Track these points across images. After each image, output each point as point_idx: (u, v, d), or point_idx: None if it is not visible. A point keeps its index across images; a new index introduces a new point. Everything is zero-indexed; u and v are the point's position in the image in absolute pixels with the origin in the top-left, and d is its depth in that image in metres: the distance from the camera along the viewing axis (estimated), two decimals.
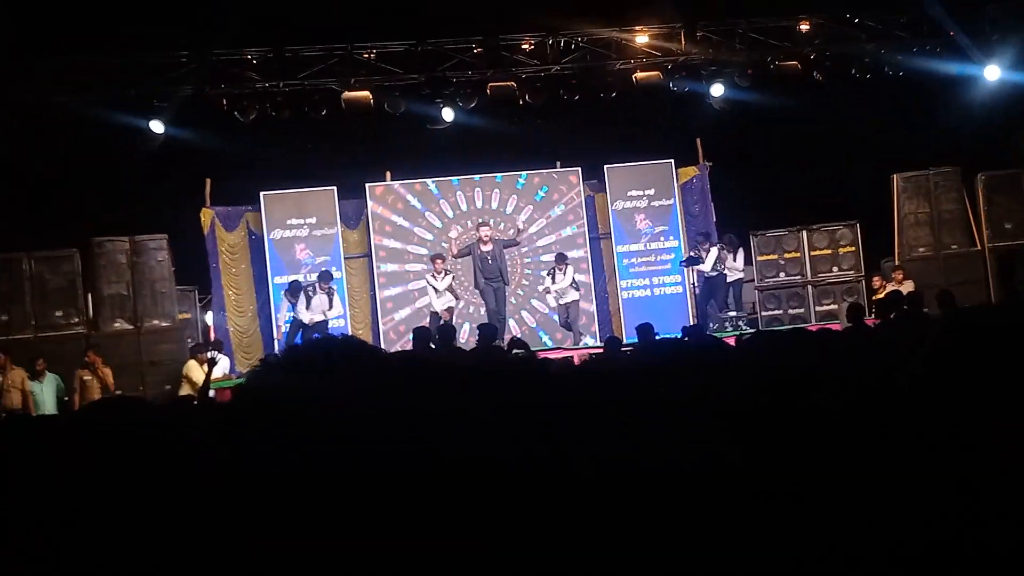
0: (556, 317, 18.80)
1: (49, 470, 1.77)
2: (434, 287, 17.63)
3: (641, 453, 1.28)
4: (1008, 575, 1.36)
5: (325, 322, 17.46)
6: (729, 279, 18.31)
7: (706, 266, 18.27)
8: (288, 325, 17.89)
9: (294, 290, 17.48)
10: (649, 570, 1.19)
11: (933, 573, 1.32)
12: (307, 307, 17.22)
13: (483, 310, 18.13)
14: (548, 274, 18.39)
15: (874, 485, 1.31)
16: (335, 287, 17.84)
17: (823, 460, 1.31)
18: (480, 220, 18.71)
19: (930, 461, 1.38)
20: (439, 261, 17.79)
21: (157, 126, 17.61)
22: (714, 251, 18.28)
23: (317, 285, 17.43)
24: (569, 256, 18.86)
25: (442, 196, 19.71)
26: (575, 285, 18.22)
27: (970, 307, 1.71)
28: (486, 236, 17.68)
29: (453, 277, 17.95)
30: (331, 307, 17.46)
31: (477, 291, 18.01)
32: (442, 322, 16.55)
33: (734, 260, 18.36)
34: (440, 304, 17.53)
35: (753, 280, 19.77)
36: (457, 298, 17.87)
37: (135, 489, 1.56)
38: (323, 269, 18.16)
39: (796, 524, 1.27)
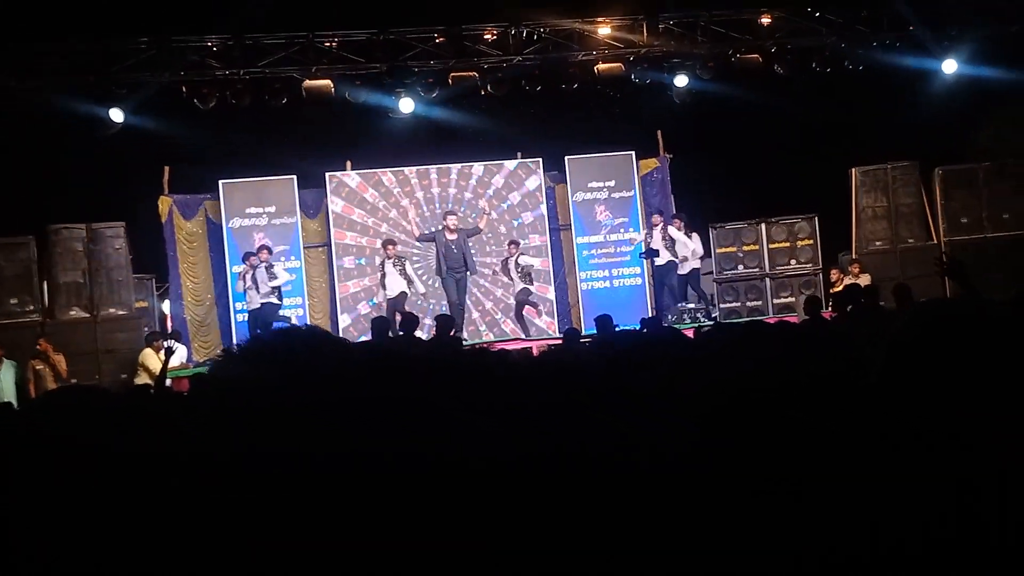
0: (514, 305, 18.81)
1: (5, 461, 1.75)
2: (385, 272, 17.56)
3: (611, 443, 1.28)
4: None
5: (276, 306, 17.24)
6: (682, 270, 18.24)
7: (685, 245, 18.16)
8: (246, 315, 17.79)
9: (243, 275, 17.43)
10: (630, 565, 1.20)
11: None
12: (256, 289, 17.08)
13: (444, 301, 18.13)
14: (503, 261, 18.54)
15: (839, 478, 1.32)
16: (273, 261, 17.56)
17: (791, 450, 1.32)
18: (446, 209, 18.68)
19: (890, 453, 1.39)
20: (391, 247, 17.73)
21: (117, 114, 17.42)
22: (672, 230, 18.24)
23: (256, 258, 17.25)
24: (524, 243, 18.92)
25: (401, 186, 19.65)
26: (528, 277, 18.19)
27: (929, 300, 1.73)
28: (453, 225, 17.62)
29: (407, 263, 17.86)
30: (275, 276, 17.22)
31: (439, 279, 17.94)
32: (397, 316, 16.44)
33: (689, 239, 18.30)
34: (393, 289, 17.44)
35: (711, 272, 19.86)
36: (411, 282, 17.69)
37: (98, 480, 1.54)
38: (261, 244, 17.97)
39: (778, 516, 1.28)
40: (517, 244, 18.52)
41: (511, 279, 18.28)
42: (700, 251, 18.58)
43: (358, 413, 1.15)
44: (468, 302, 18.70)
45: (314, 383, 1.19)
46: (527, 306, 18.39)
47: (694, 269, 18.46)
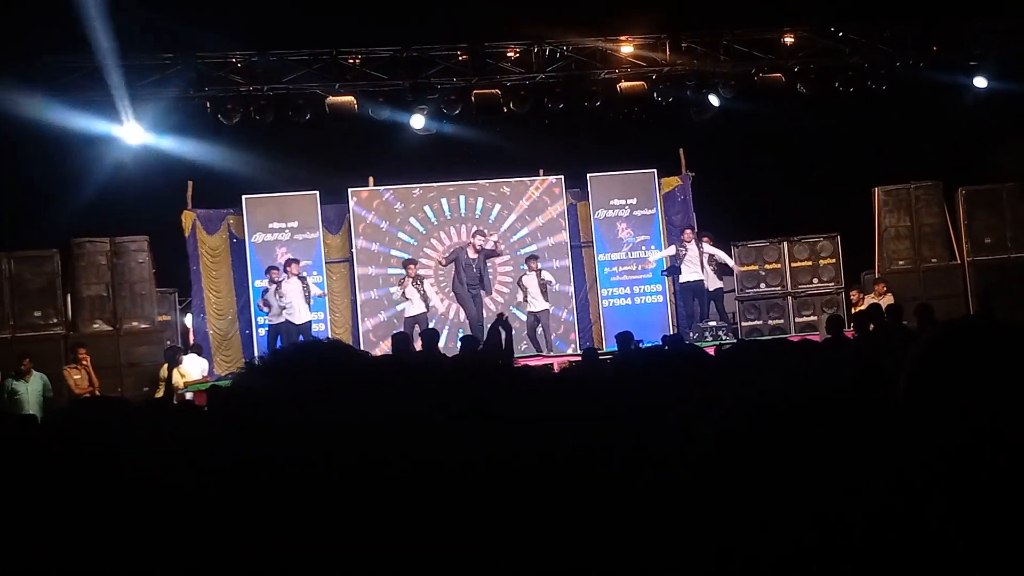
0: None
1: (25, 474, 1.76)
2: (405, 292, 17.57)
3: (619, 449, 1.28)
4: None
5: (308, 324, 17.38)
6: (709, 286, 18.24)
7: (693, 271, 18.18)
8: (265, 330, 17.88)
9: (265, 294, 17.51)
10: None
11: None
12: (279, 298, 17.13)
13: (463, 315, 18.15)
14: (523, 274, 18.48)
15: (855, 491, 1.32)
16: (305, 274, 17.69)
17: (811, 463, 1.32)
18: (476, 229, 18.49)
19: (911, 470, 1.39)
20: (412, 267, 17.74)
21: (131, 134, 17.46)
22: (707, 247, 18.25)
23: (285, 270, 17.33)
24: (545, 261, 18.86)
25: (424, 202, 19.69)
26: (545, 292, 18.14)
27: (953, 318, 1.72)
28: (478, 245, 17.63)
29: (425, 282, 17.93)
30: (310, 291, 17.39)
31: (454, 295, 17.93)
32: (417, 329, 16.48)
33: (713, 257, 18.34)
34: (414, 309, 17.50)
35: (733, 290, 19.82)
36: (428, 305, 17.77)
37: (116, 491, 1.55)
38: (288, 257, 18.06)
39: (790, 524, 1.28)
40: (536, 258, 18.50)
41: (529, 296, 18.16)
42: (730, 263, 18.61)
43: (376, 424, 1.15)
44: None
45: (336, 395, 1.19)
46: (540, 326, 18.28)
47: (719, 287, 18.46)
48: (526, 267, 18.47)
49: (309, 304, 17.40)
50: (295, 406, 1.17)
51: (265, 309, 17.59)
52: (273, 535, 1.11)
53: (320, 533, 1.11)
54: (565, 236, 19.93)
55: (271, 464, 1.12)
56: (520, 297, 18.43)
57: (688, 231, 18.63)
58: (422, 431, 1.15)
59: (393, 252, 19.37)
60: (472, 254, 17.55)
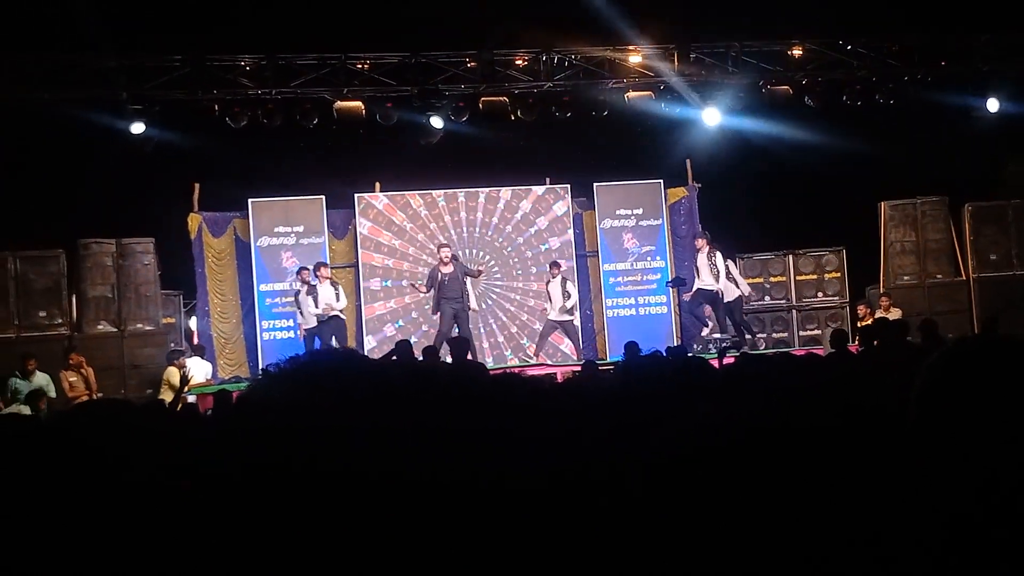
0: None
1: (26, 473, 1.76)
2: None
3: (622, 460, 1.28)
4: None
5: (337, 318, 17.21)
6: (728, 297, 17.84)
7: (708, 278, 17.75)
8: (272, 334, 17.88)
9: (297, 297, 17.38)
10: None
11: None
12: (315, 304, 17.02)
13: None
14: (546, 283, 18.37)
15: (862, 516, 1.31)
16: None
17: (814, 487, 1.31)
18: (440, 242, 18.25)
19: (922, 492, 1.38)
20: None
21: (138, 127, 17.45)
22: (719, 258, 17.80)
23: (317, 275, 17.21)
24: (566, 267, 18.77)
25: (429, 209, 19.67)
26: (565, 299, 18.00)
27: (964, 336, 1.72)
28: (447, 257, 17.23)
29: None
30: (338, 299, 17.21)
31: (436, 316, 17.31)
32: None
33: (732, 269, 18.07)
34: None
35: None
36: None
37: (125, 495, 1.55)
38: (317, 261, 17.97)
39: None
40: (559, 265, 18.31)
41: (554, 301, 18.05)
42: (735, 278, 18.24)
43: (389, 435, 1.15)
44: (494, 326, 18.82)
45: (352, 406, 1.19)
46: (557, 332, 18.20)
47: (738, 297, 18.04)
48: (548, 274, 18.29)
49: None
50: (310, 413, 1.17)
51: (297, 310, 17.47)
52: (279, 541, 1.11)
53: (325, 540, 1.11)
54: (570, 236, 19.85)
55: (283, 470, 1.12)
56: (549, 302, 18.24)
57: (701, 239, 18.16)
58: (431, 441, 1.15)
59: (397, 259, 19.34)
60: (445, 269, 17.11)
